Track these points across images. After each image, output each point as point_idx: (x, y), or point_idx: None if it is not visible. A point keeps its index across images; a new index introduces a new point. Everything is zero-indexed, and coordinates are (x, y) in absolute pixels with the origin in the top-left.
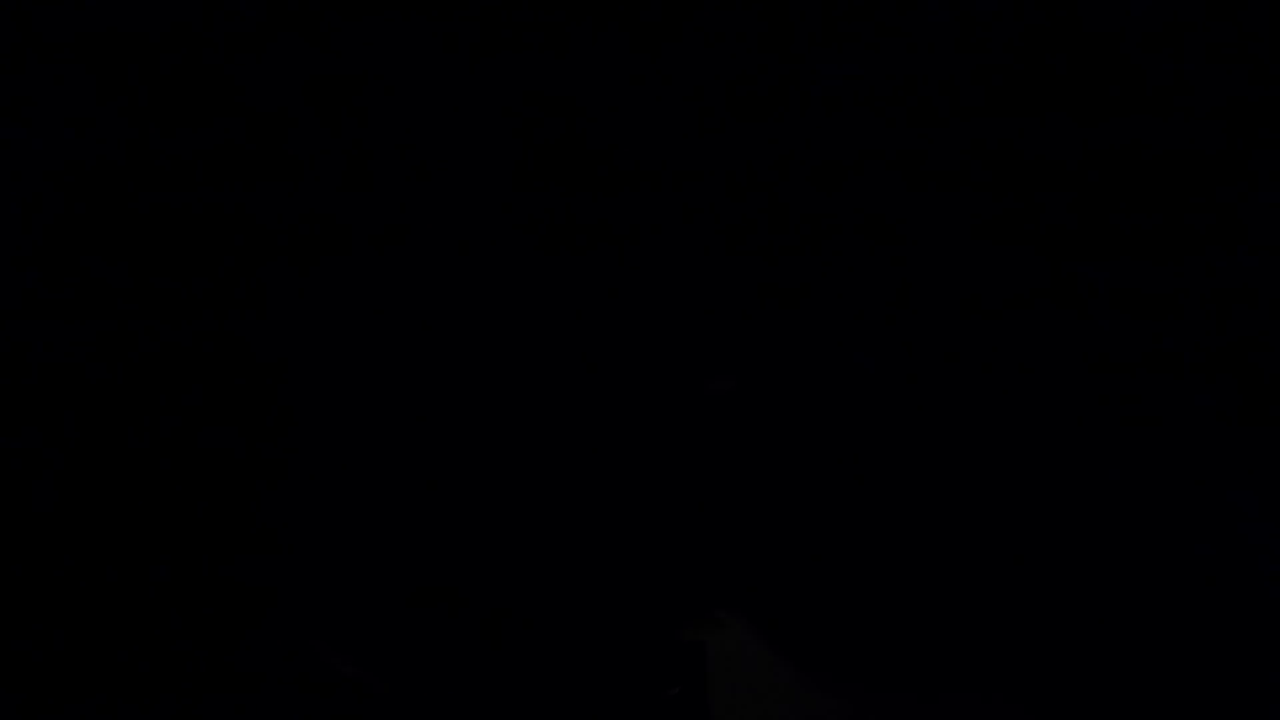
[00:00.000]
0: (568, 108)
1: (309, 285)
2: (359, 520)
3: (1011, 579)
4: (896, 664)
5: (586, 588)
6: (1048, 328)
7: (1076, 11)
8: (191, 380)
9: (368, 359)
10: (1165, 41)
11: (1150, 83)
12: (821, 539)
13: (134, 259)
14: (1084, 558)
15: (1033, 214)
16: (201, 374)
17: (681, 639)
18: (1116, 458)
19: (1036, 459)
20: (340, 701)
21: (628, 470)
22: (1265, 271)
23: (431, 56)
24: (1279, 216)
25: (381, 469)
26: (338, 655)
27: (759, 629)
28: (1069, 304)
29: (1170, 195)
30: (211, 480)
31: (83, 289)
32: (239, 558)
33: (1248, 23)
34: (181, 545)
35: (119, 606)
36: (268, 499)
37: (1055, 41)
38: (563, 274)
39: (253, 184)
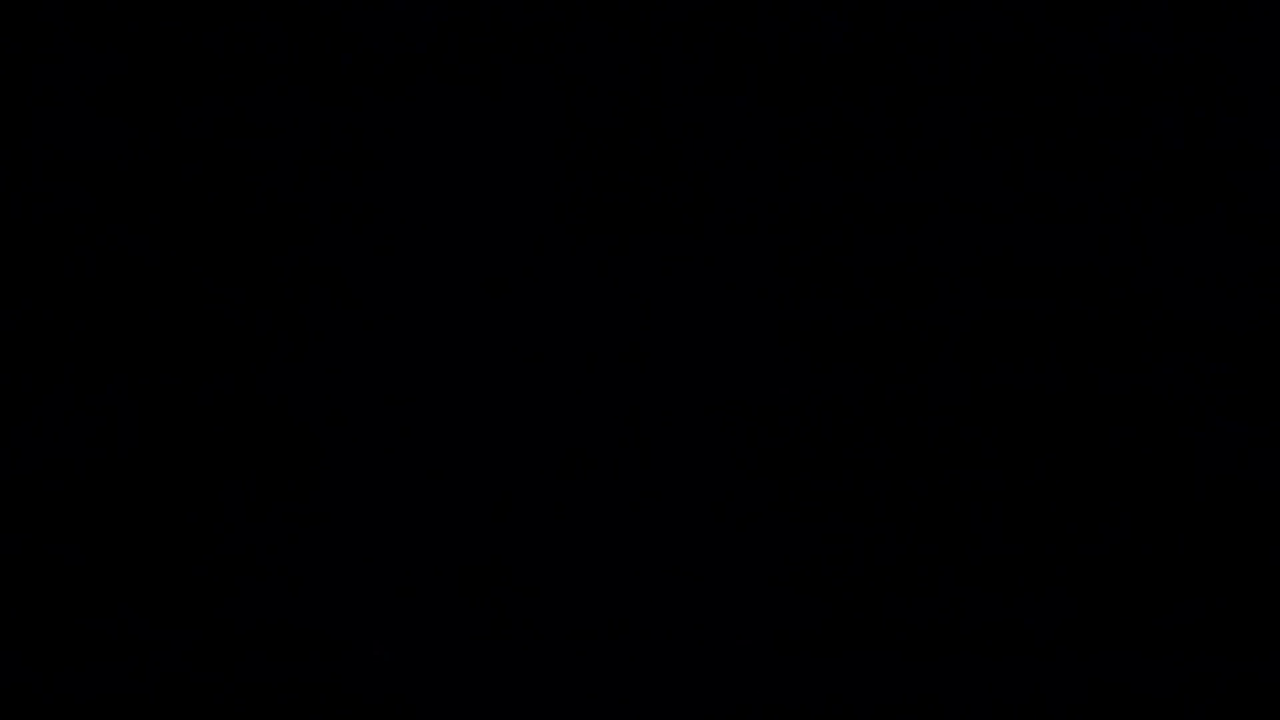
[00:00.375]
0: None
1: (319, 275)
2: (377, 519)
3: (1014, 577)
4: (907, 661)
5: (621, 593)
6: (1044, 313)
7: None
8: (199, 375)
9: (380, 357)
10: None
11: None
12: (831, 538)
13: (131, 252)
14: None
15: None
16: (210, 368)
17: (691, 641)
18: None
19: (1046, 451)
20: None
21: (638, 472)
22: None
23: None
24: None
25: (397, 465)
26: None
27: (770, 630)
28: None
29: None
30: (212, 475)
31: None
32: (240, 552)
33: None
34: (181, 541)
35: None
36: (272, 496)
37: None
38: (576, 271)
39: (261, 175)
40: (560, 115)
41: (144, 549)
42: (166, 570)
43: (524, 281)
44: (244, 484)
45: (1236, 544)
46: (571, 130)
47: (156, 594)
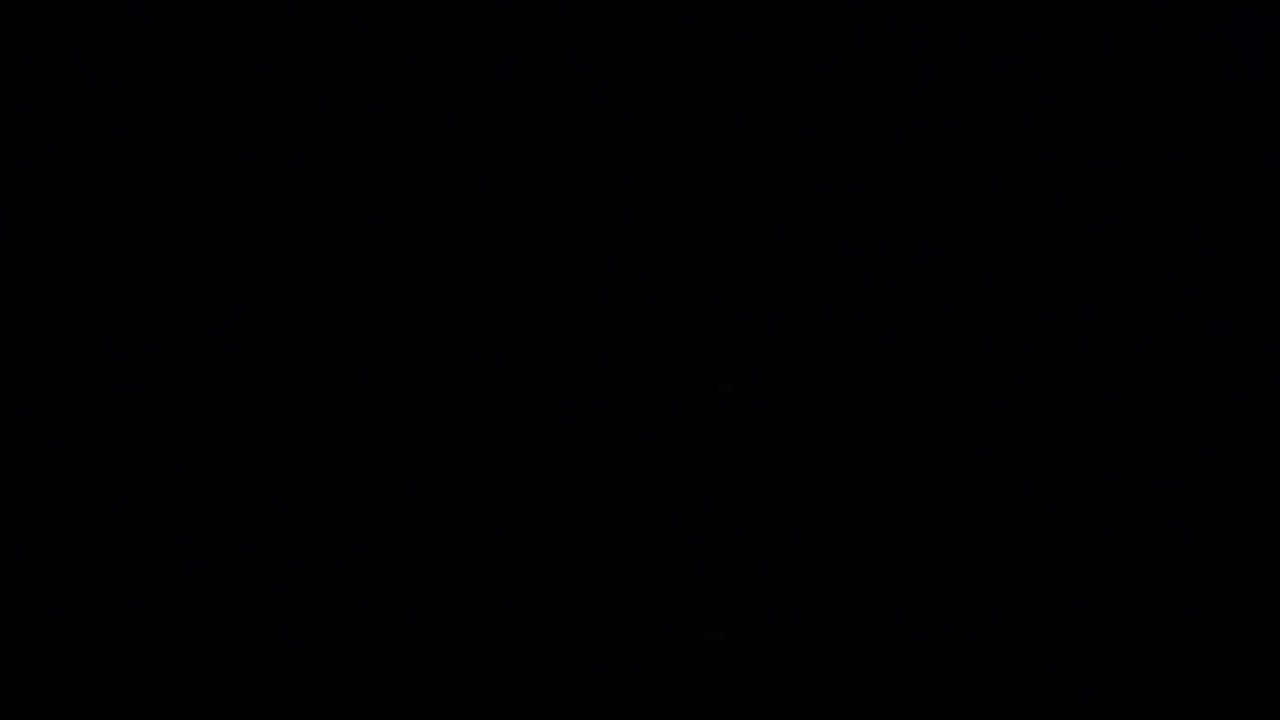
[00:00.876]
0: (576, 106)
1: (305, 281)
2: (362, 517)
3: (1006, 579)
4: (902, 660)
5: (593, 586)
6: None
7: None
8: (189, 375)
9: (385, 356)
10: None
11: None
12: (825, 537)
13: (126, 252)
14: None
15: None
16: (201, 369)
17: (687, 636)
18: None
19: (1042, 453)
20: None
21: (632, 469)
22: None
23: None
24: None
25: (384, 465)
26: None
27: (764, 626)
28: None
29: None
30: (207, 478)
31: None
32: (229, 555)
33: None
34: (172, 541)
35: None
36: (265, 496)
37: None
38: (571, 273)
39: (251, 176)
40: (545, 118)
41: (122, 539)
42: (148, 566)
43: (505, 284)
44: (227, 483)
45: None
46: (551, 134)
47: (139, 589)
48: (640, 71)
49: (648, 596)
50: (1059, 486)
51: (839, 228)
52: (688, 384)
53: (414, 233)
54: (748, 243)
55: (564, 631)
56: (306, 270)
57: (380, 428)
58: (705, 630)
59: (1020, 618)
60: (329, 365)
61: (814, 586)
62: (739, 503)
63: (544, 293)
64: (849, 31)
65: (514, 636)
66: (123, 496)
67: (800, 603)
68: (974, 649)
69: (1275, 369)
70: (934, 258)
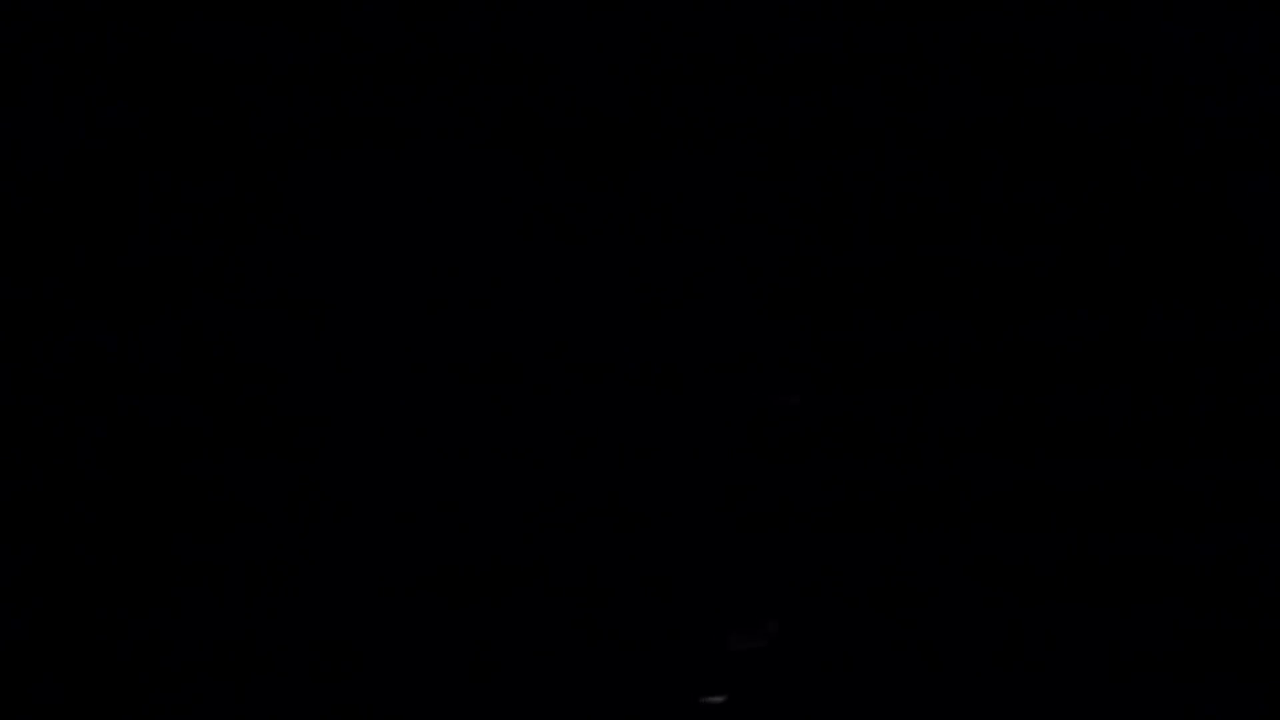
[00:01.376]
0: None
1: (314, 276)
2: (397, 519)
3: (1050, 591)
4: (949, 675)
5: (633, 595)
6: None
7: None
8: (190, 376)
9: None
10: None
11: None
12: (872, 551)
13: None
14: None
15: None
16: (202, 369)
17: (730, 648)
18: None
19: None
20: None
21: (676, 477)
22: None
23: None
24: None
25: (449, 465)
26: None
27: (809, 638)
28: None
29: None
30: (209, 479)
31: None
32: (233, 551)
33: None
34: (173, 538)
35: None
36: (270, 497)
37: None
38: (636, 284)
39: (249, 171)
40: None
41: (143, 547)
42: (164, 572)
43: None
44: (239, 485)
45: None
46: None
47: (155, 596)
48: (688, 72)
49: (701, 608)
50: (1121, 509)
51: (911, 236)
52: (755, 397)
53: (461, 235)
54: (816, 253)
55: (612, 641)
56: (310, 273)
57: (436, 435)
58: (751, 640)
59: (1059, 635)
60: (341, 371)
61: (871, 602)
62: (804, 515)
63: (608, 303)
64: (877, 34)
65: (563, 647)
66: (124, 505)
67: (858, 618)
68: (1021, 667)
69: None
70: (1007, 265)
